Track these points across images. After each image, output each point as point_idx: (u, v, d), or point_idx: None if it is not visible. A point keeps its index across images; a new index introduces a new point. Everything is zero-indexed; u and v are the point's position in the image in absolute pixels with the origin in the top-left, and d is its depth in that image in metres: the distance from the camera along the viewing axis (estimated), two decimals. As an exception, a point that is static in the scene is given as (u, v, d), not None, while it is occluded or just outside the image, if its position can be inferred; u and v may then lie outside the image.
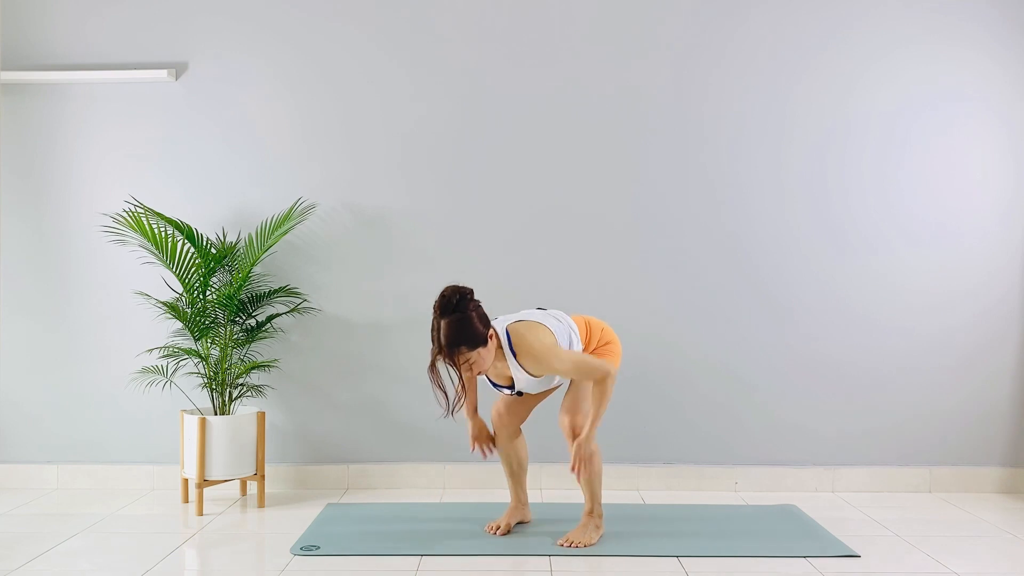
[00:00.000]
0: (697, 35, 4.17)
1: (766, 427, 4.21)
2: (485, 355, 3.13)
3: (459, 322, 3.07)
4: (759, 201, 4.19)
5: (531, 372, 3.23)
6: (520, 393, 3.38)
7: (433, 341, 3.12)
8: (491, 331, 3.15)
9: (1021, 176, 4.20)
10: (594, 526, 3.40)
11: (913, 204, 4.19)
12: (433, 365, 3.16)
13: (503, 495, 4.01)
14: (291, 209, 4.06)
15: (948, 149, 4.19)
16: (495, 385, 3.41)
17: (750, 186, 4.19)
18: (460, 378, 3.21)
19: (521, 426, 3.55)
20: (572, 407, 3.33)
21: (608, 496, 3.95)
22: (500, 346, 3.21)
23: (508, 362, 3.22)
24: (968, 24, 4.16)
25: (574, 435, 3.30)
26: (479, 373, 3.20)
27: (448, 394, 3.21)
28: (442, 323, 3.09)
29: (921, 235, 4.20)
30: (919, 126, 4.18)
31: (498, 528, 3.46)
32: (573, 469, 3.24)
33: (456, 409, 3.22)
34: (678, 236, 4.19)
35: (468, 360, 3.11)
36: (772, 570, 3.12)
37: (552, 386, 3.41)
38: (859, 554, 3.27)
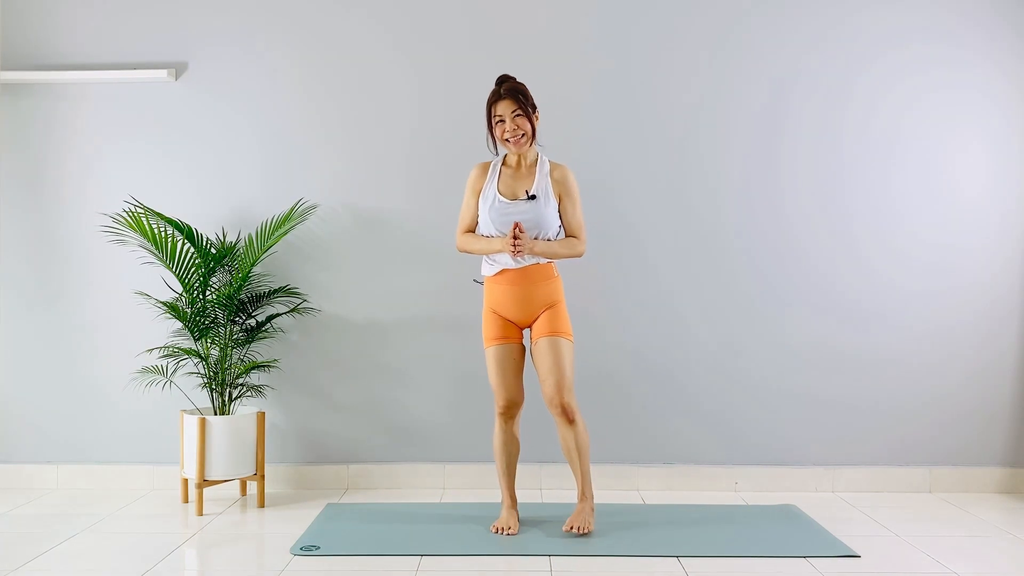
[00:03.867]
0: (695, 33, 4.18)
1: (766, 427, 4.21)
2: (527, 124, 3.42)
3: (523, 85, 3.49)
4: (758, 199, 4.19)
5: (552, 183, 3.46)
6: (534, 197, 3.42)
7: (493, 91, 3.47)
8: (537, 115, 3.49)
9: (1021, 175, 4.20)
10: (590, 509, 3.46)
11: (914, 202, 4.19)
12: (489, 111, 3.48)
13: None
14: (291, 209, 4.06)
15: (950, 149, 4.19)
16: (503, 206, 3.45)
17: (748, 184, 4.19)
18: (492, 136, 3.48)
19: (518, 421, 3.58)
20: (555, 376, 3.41)
21: (608, 496, 3.96)
22: (535, 162, 3.51)
23: (538, 170, 3.48)
24: (969, 26, 4.16)
25: (562, 406, 3.41)
26: (515, 136, 3.42)
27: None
28: (509, 76, 3.50)
29: (922, 234, 4.20)
30: (921, 126, 4.18)
31: (508, 529, 3.48)
32: (515, 252, 3.37)
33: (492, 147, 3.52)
34: (676, 235, 4.19)
35: (515, 111, 3.40)
36: (772, 570, 3.12)
37: (542, 229, 3.43)
38: (859, 554, 3.27)
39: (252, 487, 4.10)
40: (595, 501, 3.63)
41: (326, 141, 4.20)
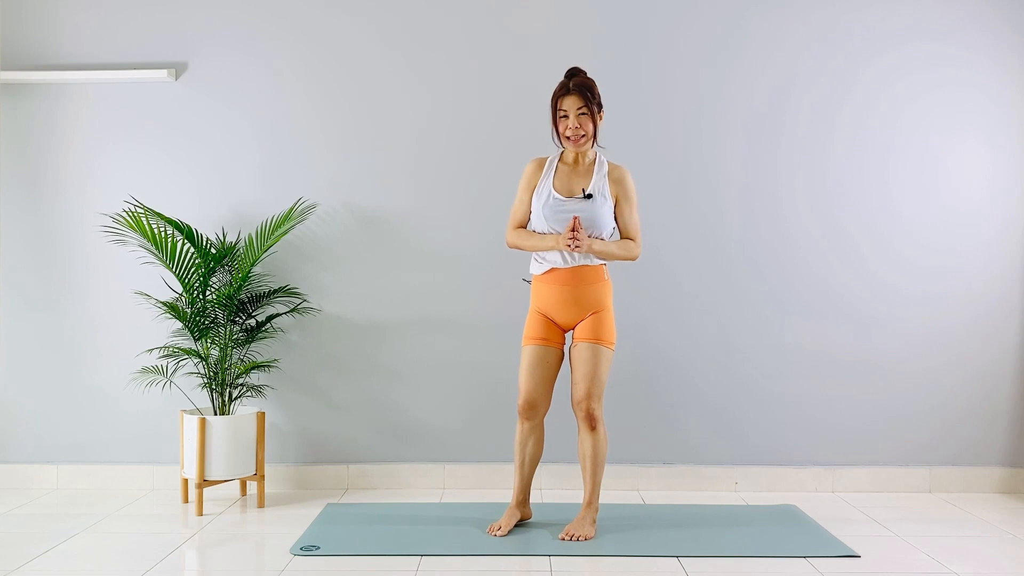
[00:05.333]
0: (695, 34, 4.18)
1: (766, 427, 4.21)
2: (590, 124, 3.40)
3: (592, 82, 3.44)
4: (758, 201, 4.19)
5: (610, 183, 3.44)
6: (590, 195, 3.40)
7: (561, 84, 3.43)
8: (602, 114, 3.47)
9: (1022, 176, 4.20)
10: (591, 519, 3.43)
11: (914, 204, 4.19)
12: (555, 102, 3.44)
13: (503, 495, 4.01)
14: (291, 209, 4.06)
15: (949, 148, 4.18)
16: (558, 203, 3.42)
17: (748, 186, 4.19)
18: (556, 129, 3.44)
19: (543, 418, 3.56)
20: (587, 383, 3.40)
21: (608, 496, 3.96)
22: (594, 161, 3.49)
23: (596, 169, 3.47)
24: (970, 25, 4.16)
25: (588, 412, 3.40)
26: (576, 135, 3.39)
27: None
28: (580, 70, 3.45)
29: (922, 235, 4.20)
30: (920, 125, 4.18)
31: (499, 529, 3.47)
32: (571, 247, 3.32)
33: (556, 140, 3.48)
34: (676, 237, 4.19)
35: (581, 108, 3.37)
36: (772, 570, 3.12)
37: (596, 228, 3.41)
38: (859, 554, 3.27)
39: (252, 487, 4.10)
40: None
41: (326, 141, 4.20)
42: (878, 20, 4.16)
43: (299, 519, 3.70)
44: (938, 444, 4.22)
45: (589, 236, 3.38)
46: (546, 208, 3.43)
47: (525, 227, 3.52)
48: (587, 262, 3.42)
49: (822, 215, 4.19)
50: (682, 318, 4.20)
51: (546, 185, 3.47)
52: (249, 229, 4.14)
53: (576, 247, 3.32)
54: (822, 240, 4.19)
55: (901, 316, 4.20)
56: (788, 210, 4.19)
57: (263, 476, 3.91)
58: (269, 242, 3.97)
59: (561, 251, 3.40)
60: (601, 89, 4.10)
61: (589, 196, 3.40)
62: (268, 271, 4.17)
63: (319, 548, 3.31)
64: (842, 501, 4.04)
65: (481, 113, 4.19)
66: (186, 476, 3.89)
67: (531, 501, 3.72)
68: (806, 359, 4.20)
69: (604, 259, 3.44)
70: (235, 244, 4.08)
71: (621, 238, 3.50)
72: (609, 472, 4.09)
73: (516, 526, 3.54)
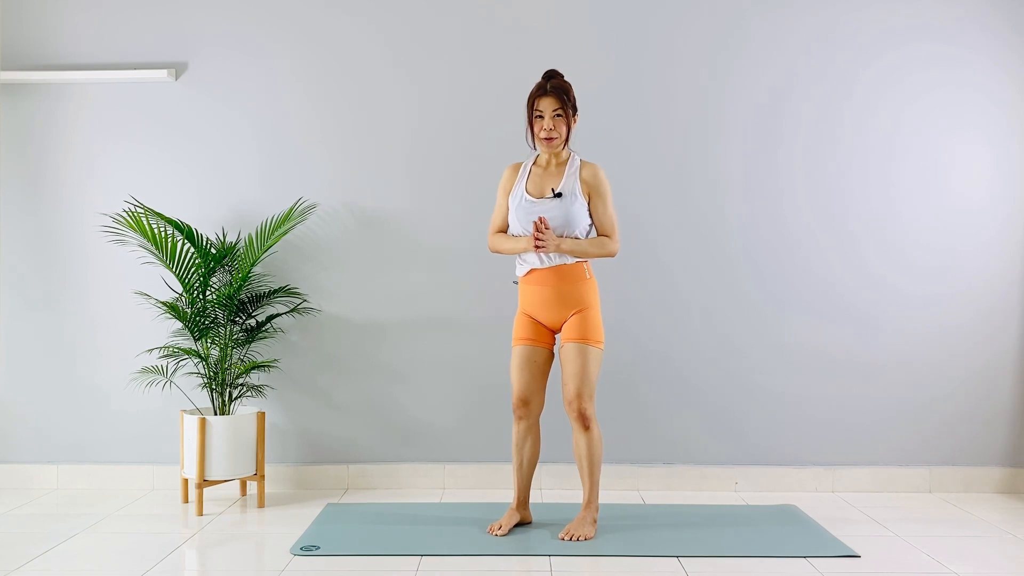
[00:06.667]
0: (693, 33, 4.18)
1: (766, 427, 4.21)
2: (564, 127, 3.43)
3: (568, 85, 3.47)
4: (758, 201, 4.19)
5: (581, 182, 3.44)
6: (560, 195, 3.41)
7: (539, 85, 3.45)
8: (576, 117, 3.49)
9: (1022, 176, 4.20)
10: (591, 519, 3.43)
11: (914, 204, 4.19)
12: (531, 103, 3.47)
13: (503, 495, 4.02)
14: (291, 209, 4.06)
15: (949, 149, 4.18)
16: (529, 204, 3.44)
17: (748, 186, 4.19)
18: (531, 125, 3.47)
19: (539, 417, 3.57)
20: (576, 382, 3.40)
21: (608, 496, 3.96)
22: (566, 161, 3.50)
23: (567, 168, 3.48)
24: (970, 26, 4.16)
25: (579, 411, 3.39)
26: (549, 133, 3.41)
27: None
28: (557, 73, 3.48)
29: (922, 234, 4.20)
30: (920, 125, 4.18)
31: (500, 528, 3.47)
32: (537, 247, 3.36)
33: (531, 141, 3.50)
34: (676, 236, 4.19)
35: (557, 110, 3.40)
36: (772, 570, 3.12)
37: (569, 227, 3.41)
38: (859, 554, 3.27)
39: (252, 487, 4.10)
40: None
41: (326, 141, 4.20)
42: (878, 20, 4.16)
43: (299, 519, 3.70)
44: (938, 444, 4.22)
45: (561, 235, 3.40)
46: (519, 210, 3.45)
47: (505, 231, 3.55)
48: (563, 261, 3.43)
49: (822, 215, 4.19)
50: (682, 318, 4.20)
51: (519, 188, 3.50)
52: (249, 229, 4.14)
53: (542, 247, 3.34)
54: (822, 240, 4.19)
55: (901, 316, 4.20)
56: (788, 210, 4.19)
57: (263, 476, 3.91)
58: (269, 242, 3.97)
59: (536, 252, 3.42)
60: (601, 90, 4.13)
61: (558, 195, 3.42)
62: (268, 271, 4.17)
63: (319, 548, 3.31)
64: (842, 501, 4.04)
65: (481, 114, 4.19)
66: (186, 476, 3.89)
67: (531, 501, 3.72)
68: (806, 359, 4.20)
69: (578, 257, 3.44)
70: (235, 244, 4.08)
71: (598, 235, 3.50)
72: (609, 472, 4.09)
73: (516, 527, 3.54)
